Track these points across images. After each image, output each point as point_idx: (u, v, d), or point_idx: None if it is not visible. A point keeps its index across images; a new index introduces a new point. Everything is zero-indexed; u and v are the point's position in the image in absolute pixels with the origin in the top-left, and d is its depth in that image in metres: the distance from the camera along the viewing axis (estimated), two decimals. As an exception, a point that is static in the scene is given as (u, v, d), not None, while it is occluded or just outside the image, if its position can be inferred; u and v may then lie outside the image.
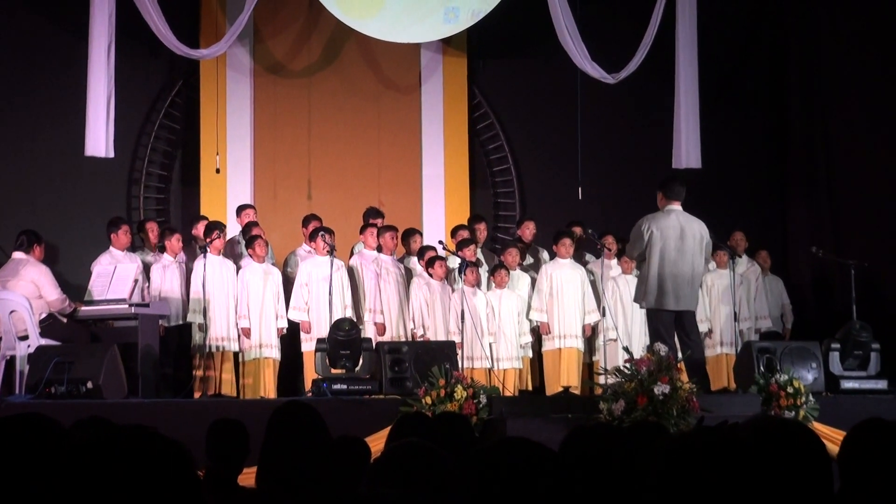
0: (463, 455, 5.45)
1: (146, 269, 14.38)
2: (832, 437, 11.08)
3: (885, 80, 16.02)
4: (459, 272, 14.37)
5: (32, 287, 13.26)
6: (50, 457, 2.86)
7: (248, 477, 6.25)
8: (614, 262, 15.35)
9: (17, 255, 13.59)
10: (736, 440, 3.44)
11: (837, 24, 17.02)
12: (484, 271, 15.16)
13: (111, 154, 14.84)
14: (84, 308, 13.49)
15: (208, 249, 14.26)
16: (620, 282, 15.05)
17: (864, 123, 16.41)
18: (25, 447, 3.23)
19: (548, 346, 15.00)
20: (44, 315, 13.27)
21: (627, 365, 11.15)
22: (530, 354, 15.12)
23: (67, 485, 2.71)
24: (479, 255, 15.36)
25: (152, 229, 15.10)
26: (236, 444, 6.58)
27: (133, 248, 15.06)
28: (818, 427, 11.03)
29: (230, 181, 16.79)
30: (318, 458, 5.28)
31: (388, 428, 10.31)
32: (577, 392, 14.11)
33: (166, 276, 14.36)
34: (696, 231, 12.64)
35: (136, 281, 13.57)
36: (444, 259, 14.78)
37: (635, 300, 13.19)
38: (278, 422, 5.35)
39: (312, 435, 5.30)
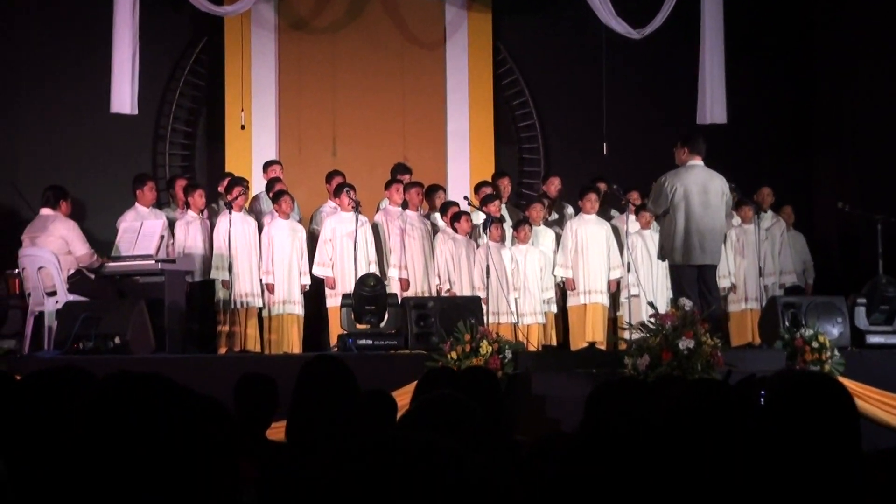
0: (490, 409, 5.49)
1: (171, 225, 14.43)
2: (858, 393, 11.12)
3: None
4: (484, 228, 14.38)
5: (61, 242, 13.31)
6: (85, 408, 2.89)
7: (276, 431, 6.30)
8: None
9: (45, 211, 13.63)
10: (758, 391, 3.46)
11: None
12: (508, 227, 15.16)
13: (135, 111, 14.82)
14: (111, 264, 13.52)
15: (232, 206, 14.29)
16: (643, 236, 15.04)
17: (891, 78, 16.32)
18: (62, 398, 3.27)
19: (573, 301, 15.01)
20: (72, 271, 13.32)
21: (652, 320, 11.17)
22: (554, 310, 15.12)
23: (100, 436, 2.74)
24: (504, 211, 15.35)
25: (181, 186, 15.11)
26: (265, 398, 6.63)
27: (159, 204, 15.10)
28: (844, 382, 11.03)
29: (255, 137, 16.80)
30: (346, 412, 5.31)
31: (415, 383, 10.40)
32: (602, 347, 14.13)
33: (190, 231, 14.40)
34: (719, 186, 12.63)
35: (162, 237, 13.60)
36: (468, 214, 14.79)
37: (659, 257, 13.19)
38: (309, 375, 5.38)
39: (342, 389, 5.33)
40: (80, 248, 13.41)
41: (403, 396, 9.04)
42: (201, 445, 2.80)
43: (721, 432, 3.51)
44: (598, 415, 4.88)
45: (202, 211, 14.58)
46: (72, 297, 12.84)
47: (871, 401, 11.26)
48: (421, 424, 3.83)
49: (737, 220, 15.35)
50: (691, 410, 3.62)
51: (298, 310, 14.54)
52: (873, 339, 13.07)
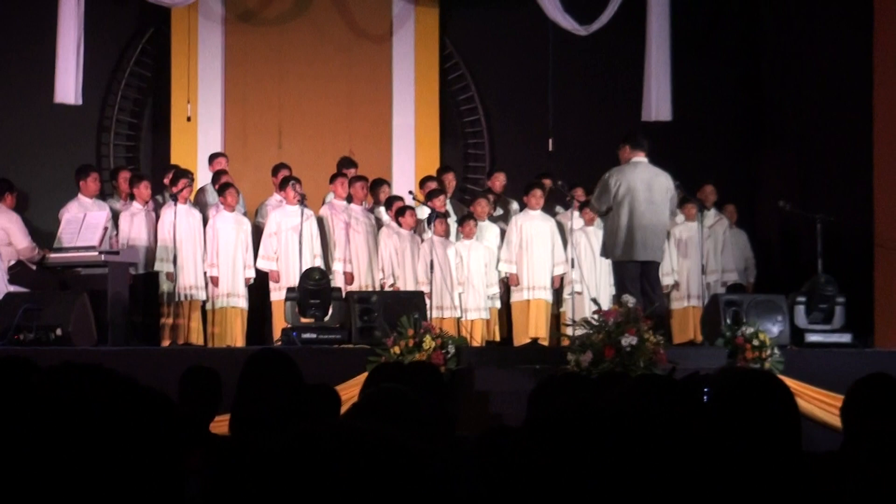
0: (434, 403, 5.51)
1: (115, 216, 14.36)
2: (797, 391, 11.19)
3: (856, 34, 16.06)
4: (429, 223, 14.40)
5: (2, 234, 13.23)
6: (29, 398, 2.88)
7: (219, 425, 6.30)
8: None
9: (-12, 202, 13.56)
10: (702, 388, 3.50)
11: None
12: (453, 222, 15.18)
13: (80, 101, 14.75)
14: (53, 255, 13.45)
15: (177, 198, 14.24)
16: (587, 233, 15.10)
17: (835, 79, 16.44)
18: (4, 388, 3.26)
19: (516, 297, 15.06)
20: (12, 262, 13.23)
21: (595, 316, 11.22)
22: (498, 305, 15.16)
23: (44, 426, 2.74)
24: (449, 206, 15.38)
25: (125, 178, 15.03)
26: (209, 391, 6.62)
27: (102, 195, 15.01)
28: (783, 380, 11.12)
29: (201, 129, 16.75)
30: (290, 405, 5.31)
31: (358, 377, 10.42)
32: (544, 343, 14.18)
33: (134, 223, 14.34)
34: (663, 183, 12.72)
35: (105, 228, 13.53)
36: (413, 209, 14.80)
37: (602, 254, 13.25)
38: (253, 368, 5.38)
39: (286, 382, 5.34)
40: (22, 241, 13.33)
41: (347, 391, 9.06)
42: (145, 436, 2.80)
43: (667, 426, 3.54)
44: (542, 408, 4.90)
45: (147, 202, 14.52)
46: (12, 289, 12.75)
47: (810, 399, 11.35)
48: (366, 417, 3.85)
49: (680, 217, 15.44)
50: (638, 403, 3.65)
51: (242, 303, 14.52)
52: (812, 338, 13.18)
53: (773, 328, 12.62)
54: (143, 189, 14.49)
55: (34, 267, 13.38)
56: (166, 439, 2.96)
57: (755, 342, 11.88)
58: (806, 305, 13.36)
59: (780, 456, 3.75)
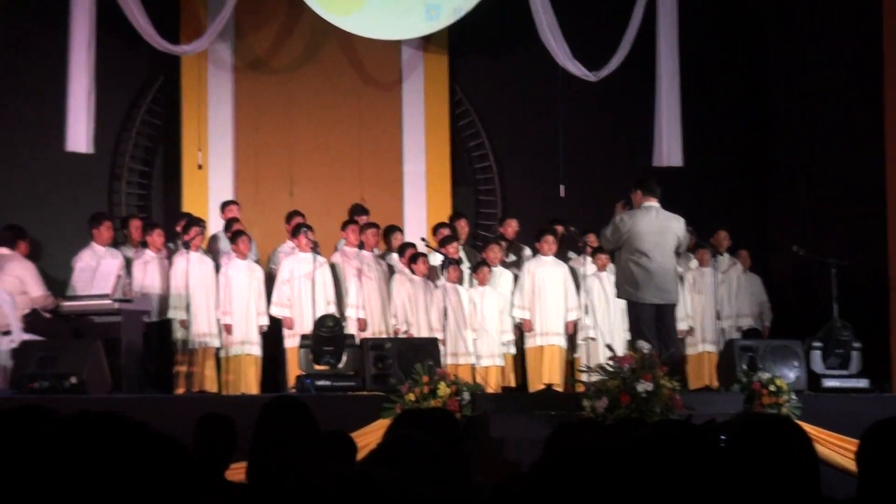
0: (450, 450, 5.47)
1: (128, 264, 14.36)
2: (815, 437, 11.10)
3: (865, 78, 16.06)
4: (442, 269, 14.38)
5: (17, 282, 13.21)
6: (46, 446, 2.86)
7: (235, 472, 6.26)
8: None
9: (2, 250, 13.52)
10: (717, 432, 3.46)
11: (816, 22, 17.05)
12: (466, 268, 15.17)
13: (91, 149, 14.80)
14: (67, 303, 13.44)
15: (189, 245, 14.24)
16: (600, 278, 15.07)
17: (845, 122, 16.44)
18: (22, 437, 3.23)
19: (530, 343, 15.02)
20: (27, 310, 13.22)
21: (610, 362, 11.18)
22: (513, 351, 15.13)
23: (61, 474, 2.71)
24: (461, 253, 15.36)
25: (137, 226, 15.04)
26: (224, 438, 6.59)
27: (115, 243, 15.01)
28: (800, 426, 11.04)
29: (212, 177, 16.76)
30: (307, 453, 5.28)
31: (373, 424, 10.39)
32: (559, 389, 14.14)
33: (148, 271, 14.35)
34: (673, 228, 12.70)
35: (118, 276, 13.53)
36: (425, 256, 14.79)
37: (618, 295, 13.20)
38: (269, 416, 5.35)
39: (303, 429, 5.30)
40: (36, 290, 13.31)
41: (362, 437, 9.02)
42: (161, 483, 2.77)
43: (686, 472, 3.50)
44: (558, 453, 4.86)
45: (160, 250, 14.52)
46: (27, 337, 12.73)
47: (828, 445, 11.28)
48: (383, 463, 3.82)
49: (694, 262, 15.44)
50: (656, 448, 3.61)
51: (256, 350, 14.49)
52: (829, 383, 13.12)
53: (790, 373, 12.58)
54: (157, 237, 14.51)
55: (48, 315, 13.37)
56: (180, 485, 2.93)
57: (772, 388, 11.84)
58: (822, 350, 13.30)
59: (799, 502, 3.71)
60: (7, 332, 12.85)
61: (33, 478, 2.88)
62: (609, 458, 3.16)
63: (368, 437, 9.71)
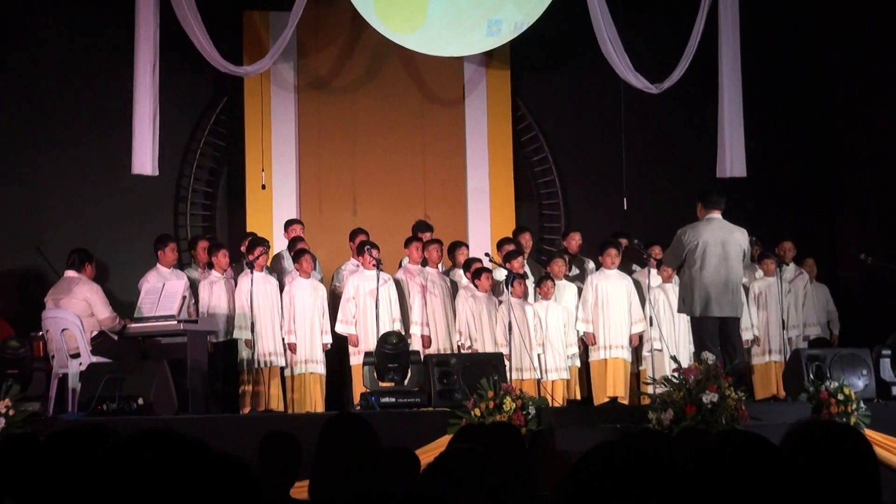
0: (514, 464, 5.48)
1: (193, 285, 14.46)
2: (885, 444, 11.06)
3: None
4: (506, 284, 14.38)
5: (85, 305, 13.35)
6: (109, 465, 2.89)
7: (300, 490, 6.28)
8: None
9: (70, 273, 13.67)
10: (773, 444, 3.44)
11: (881, 28, 16.94)
12: (530, 283, 15.16)
13: (156, 172, 14.93)
14: (133, 325, 13.55)
15: (253, 265, 14.32)
16: (665, 290, 15.03)
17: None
18: (86, 455, 3.27)
19: (594, 356, 14.98)
20: (95, 333, 13.35)
21: (675, 374, 11.13)
22: (578, 364, 15.09)
23: (124, 493, 2.74)
24: (526, 267, 15.35)
25: (204, 247, 15.14)
26: (289, 456, 6.62)
27: (181, 265, 15.12)
28: (870, 434, 10.96)
29: (276, 197, 16.85)
30: (369, 470, 5.29)
31: (438, 440, 10.39)
32: (624, 402, 14.09)
33: (214, 291, 14.43)
34: (737, 239, 12.63)
35: (184, 297, 13.62)
36: (489, 271, 14.79)
37: (679, 310, 13.16)
38: (331, 433, 5.37)
39: (364, 446, 5.32)
40: (103, 312, 13.44)
41: (428, 454, 9.01)
42: (219, 500, 2.79)
43: (748, 481, 3.48)
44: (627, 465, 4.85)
45: (225, 271, 14.61)
46: (95, 359, 12.85)
47: (898, 453, 11.18)
48: (443, 477, 3.82)
49: (759, 273, 15.36)
50: (718, 458, 3.60)
51: (321, 369, 14.52)
52: (899, 391, 13.01)
53: (858, 382, 12.47)
54: (222, 257, 14.59)
55: (116, 337, 13.49)
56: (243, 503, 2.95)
57: (840, 396, 11.74)
58: (891, 358, 13.18)
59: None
60: (76, 355, 12.99)
61: (93, 495, 2.92)
62: (671, 468, 3.15)
63: (434, 454, 9.70)
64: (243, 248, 15.09)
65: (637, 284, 15.23)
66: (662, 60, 16.22)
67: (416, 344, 14.30)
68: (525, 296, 14.77)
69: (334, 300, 14.85)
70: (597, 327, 14.92)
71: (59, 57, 16.34)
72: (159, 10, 14.91)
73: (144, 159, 14.78)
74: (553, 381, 14.56)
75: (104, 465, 2.75)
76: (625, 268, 15.51)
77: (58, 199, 16.13)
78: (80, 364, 12.79)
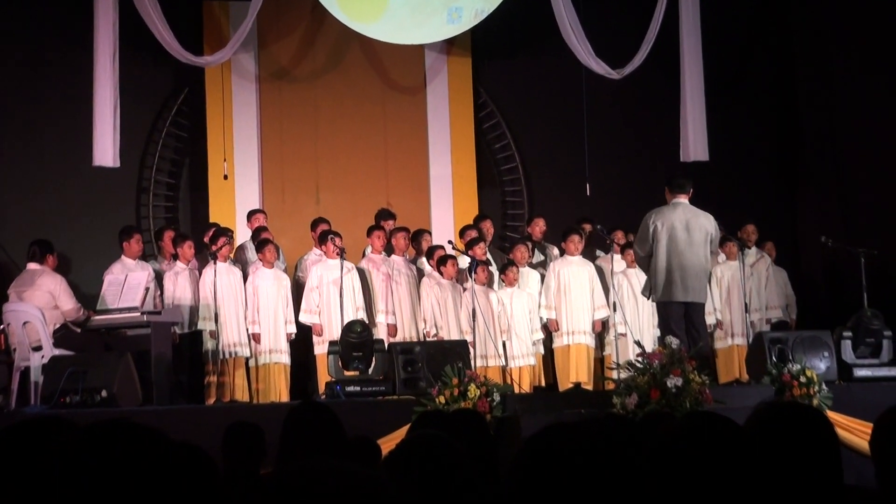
0: (478, 451, 5.48)
1: (158, 277, 14.40)
2: (847, 426, 11.11)
3: (892, 63, 16.00)
4: (470, 271, 14.39)
5: (48, 297, 13.28)
6: (66, 456, 2.87)
7: (264, 479, 6.26)
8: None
9: (32, 265, 13.59)
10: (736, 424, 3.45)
11: (843, 12, 16.99)
12: (493, 270, 15.16)
13: (118, 163, 14.85)
14: (96, 317, 13.48)
15: (217, 256, 14.28)
16: (628, 275, 15.06)
17: (873, 112, 16.38)
18: (44, 447, 3.25)
19: (557, 342, 15.02)
20: (57, 325, 13.28)
21: (639, 359, 11.16)
22: (542, 351, 15.11)
23: (81, 484, 2.72)
24: (489, 254, 15.36)
25: (170, 237, 15.09)
26: (253, 446, 6.62)
27: (145, 256, 15.05)
28: (833, 416, 11.01)
29: (238, 187, 16.82)
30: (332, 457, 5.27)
31: (402, 428, 10.38)
32: (588, 387, 14.12)
33: (179, 283, 14.38)
34: (703, 224, 12.65)
35: (147, 289, 13.56)
36: (454, 258, 14.79)
37: (643, 293, 13.19)
38: (294, 422, 5.36)
39: (328, 435, 5.31)
40: (67, 303, 13.37)
41: (392, 443, 9.01)
42: (185, 494, 2.78)
43: (712, 462, 3.48)
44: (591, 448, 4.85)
45: (190, 262, 14.55)
46: (57, 352, 12.77)
47: (861, 434, 11.22)
48: (404, 464, 3.81)
49: (721, 257, 15.40)
50: (683, 440, 3.60)
51: (285, 359, 14.50)
52: (860, 373, 13.08)
53: (820, 364, 12.53)
54: (187, 249, 14.53)
55: (78, 330, 13.42)
56: (206, 496, 2.94)
57: (802, 379, 11.79)
58: (852, 340, 13.27)
59: (820, 489, 3.70)
60: (38, 348, 12.91)
61: (47, 487, 2.90)
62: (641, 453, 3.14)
63: (397, 442, 9.70)
64: (206, 239, 15.05)
65: (600, 270, 15.26)
66: (624, 46, 16.24)
67: (381, 332, 14.30)
68: (489, 283, 14.78)
69: (298, 290, 14.82)
70: (559, 313, 14.95)
71: (17, 47, 16.25)
72: (119, 0, 14.83)
73: (106, 151, 14.70)
74: (521, 368, 14.59)
75: (58, 456, 2.73)
76: (589, 253, 15.54)
77: (19, 191, 16.04)
78: (43, 357, 12.71)
